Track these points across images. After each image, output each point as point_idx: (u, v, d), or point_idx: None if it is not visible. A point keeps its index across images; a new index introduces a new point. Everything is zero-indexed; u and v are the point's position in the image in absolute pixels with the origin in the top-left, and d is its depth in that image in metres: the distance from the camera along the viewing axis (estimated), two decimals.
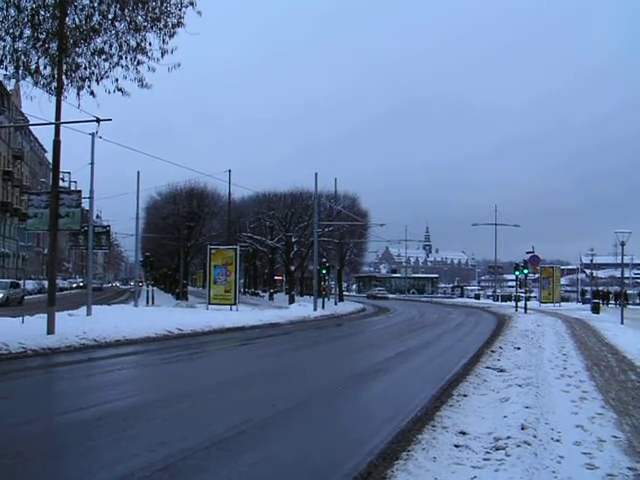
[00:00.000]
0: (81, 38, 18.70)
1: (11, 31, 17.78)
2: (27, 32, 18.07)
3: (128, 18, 18.66)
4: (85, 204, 30.33)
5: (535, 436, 8.03)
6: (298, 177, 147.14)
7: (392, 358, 17.81)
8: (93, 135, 24.80)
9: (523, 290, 53.63)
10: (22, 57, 18.30)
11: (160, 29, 18.85)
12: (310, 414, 10.33)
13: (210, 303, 38.15)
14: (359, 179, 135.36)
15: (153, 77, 19.47)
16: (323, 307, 44.23)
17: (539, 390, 11.43)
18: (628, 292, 62.10)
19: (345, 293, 78.48)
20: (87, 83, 19.14)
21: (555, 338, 22.90)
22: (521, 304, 48.21)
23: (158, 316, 28.94)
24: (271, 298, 59.61)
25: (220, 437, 8.14)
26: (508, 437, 7.94)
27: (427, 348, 21.37)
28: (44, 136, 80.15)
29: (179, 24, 18.96)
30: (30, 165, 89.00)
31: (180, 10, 18.90)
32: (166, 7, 18.82)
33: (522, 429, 8.34)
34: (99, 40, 18.83)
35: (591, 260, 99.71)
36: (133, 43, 18.97)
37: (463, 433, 8.32)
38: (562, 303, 61.19)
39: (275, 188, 59.87)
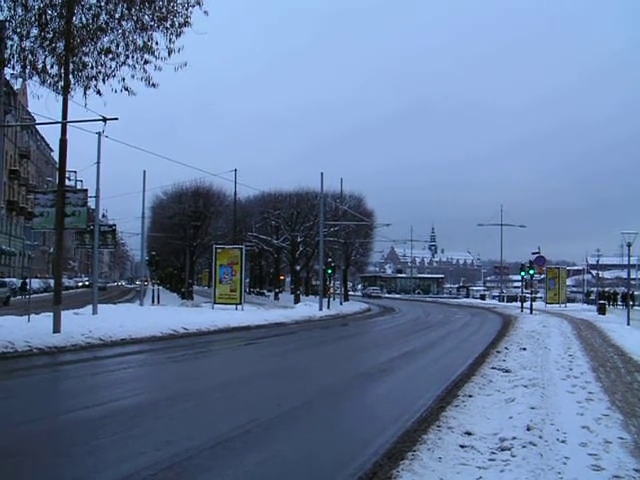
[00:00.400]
0: (88, 37, 18.73)
1: (18, 30, 17.84)
2: (34, 31, 18.12)
3: (135, 17, 18.69)
4: (91, 203, 30.42)
5: (541, 437, 8.01)
6: (304, 177, 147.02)
7: (397, 358, 17.81)
8: (99, 134, 24.87)
9: (529, 291, 53.51)
10: (29, 56, 18.34)
11: (167, 28, 18.87)
12: (315, 414, 10.33)
13: (215, 302, 38.17)
14: (365, 179, 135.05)
15: (160, 76, 19.51)
16: (328, 307, 44.25)
17: (545, 391, 11.41)
18: (635, 293, 61.84)
19: (350, 293, 78.42)
20: (94, 82, 19.17)
21: (561, 339, 22.85)
22: (527, 305, 48.14)
23: (164, 315, 28.98)
24: (276, 298, 59.62)
25: (226, 436, 8.14)
26: (514, 438, 7.92)
27: (432, 348, 21.36)
28: (50, 135, 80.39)
29: (186, 23, 18.97)
30: (36, 164, 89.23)
31: (187, 10, 18.92)
32: (173, 6, 18.84)
33: (528, 430, 8.33)
34: (106, 39, 18.87)
35: (597, 261, 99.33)
36: (140, 42, 19.00)
37: (468, 433, 8.30)
38: (568, 304, 61.01)
39: (281, 188, 59.93)
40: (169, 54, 18.96)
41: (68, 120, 19.54)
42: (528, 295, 52.31)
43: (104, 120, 19.37)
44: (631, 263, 40.62)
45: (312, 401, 11.27)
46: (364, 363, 17.36)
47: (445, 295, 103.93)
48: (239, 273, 38.58)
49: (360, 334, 29.48)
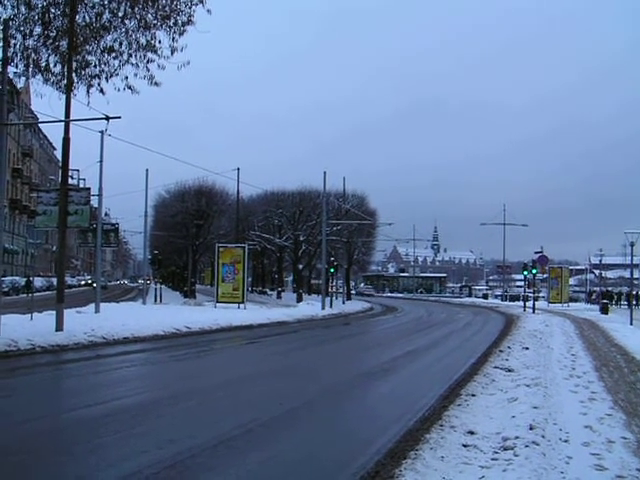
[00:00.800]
0: (91, 36, 18.74)
1: (22, 29, 17.85)
2: (37, 30, 18.13)
3: (138, 16, 18.69)
4: (94, 202, 30.43)
5: (543, 436, 7.99)
6: (306, 176, 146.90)
7: (400, 357, 17.80)
8: (102, 133, 24.88)
9: (531, 290, 53.45)
10: (32, 55, 18.36)
11: (170, 27, 18.87)
12: (317, 413, 10.32)
13: (218, 301, 38.19)
14: (368, 178, 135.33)
15: (163, 75, 19.53)
16: (331, 306, 44.24)
17: (547, 390, 11.39)
18: (639, 293, 61.73)
19: (353, 292, 78.40)
20: (97, 81, 19.20)
21: (564, 338, 22.82)
22: (529, 304, 48.08)
23: (166, 314, 28.98)
24: (279, 296, 59.65)
25: (228, 435, 8.14)
26: (516, 437, 7.91)
27: (435, 347, 21.34)
28: (53, 133, 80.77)
29: (189, 22, 18.97)
30: (39, 162, 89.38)
31: (190, 8, 18.91)
32: (176, 5, 18.83)
33: (530, 429, 8.32)
34: (109, 38, 18.87)
35: (600, 260, 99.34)
36: (143, 41, 19.00)
37: (471, 433, 8.29)
38: (570, 303, 60.94)
39: (283, 187, 60.00)
40: (172, 53, 19.00)
41: (71, 119, 19.56)
42: (531, 294, 52.28)
43: (107, 119, 19.36)
44: (634, 263, 40.57)
45: (314, 400, 11.26)
46: (366, 362, 17.35)
47: (448, 294, 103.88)
48: (242, 272, 38.61)
49: (362, 333, 29.48)
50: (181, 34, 19.01)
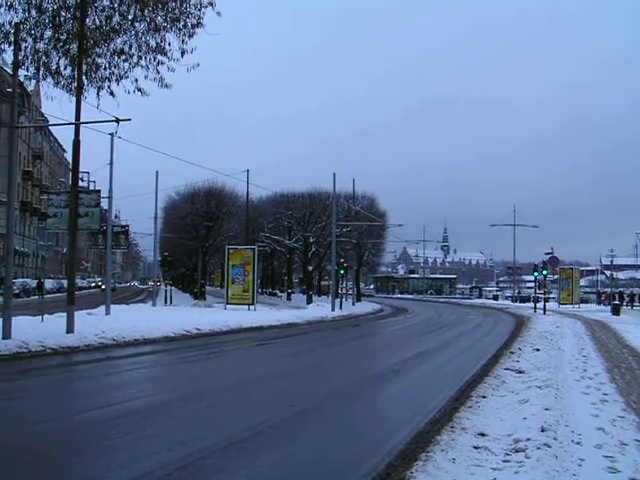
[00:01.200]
0: (101, 39, 18.80)
1: (32, 32, 17.93)
2: (48, 33, 18.21)
3: (148, 19, 18.74)
4: (104, 204, 30.51)
5: (555, 438, 7.95)
6: (316, 177, 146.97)
7: (410, 359, 17.76)
8: (112, 135, 24.97)
9: (542, 291, 53.23)
10: (43, 58, 18.45)
11: (179, 29, 18.92)
12: (327, 415, 10.30)
13: (228, 303, 38.23)
14: (377, 179, 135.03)
15: (173, 77, 19.55)
16: (341, 307, 44.19)
17: (559, 392, 11.34)
18: None
19: (368, 293, 78.33)
20: (107, 83, 19.28)
21: (575, 340, 22.71)
22: (540, 305, 47.86)
23: (176, 316, 29.06)
24: (289, 298, 59.63)
25: (238, 437, 8.14)
26: (528, 439, 7.87)
27: (445, 349, 21.28)
28: (63, 136, 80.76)
29: (198, 24, 19.01)
30: (50, 165, 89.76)
31: (199, 10, 18.95)
32: (185, 7, 18.88)
33: (542, 431, 8.27)
34: (119, 40, 18.94)
35: (611, 261, 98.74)
36: (153, 43, 19.06)
37: (482, 435, 8.26)
38: (581, 304, 60.66)
39: (293, 188, 59.97)
40: (182, 55, 19.06)
41: (81, 121, 19.62)
42: (541, 296, 52.04)
43: (117, 121, 19.40)
44: None
45: (324, 402, 11.24)
46: (376, 364, 17.31)
47: (458, 296, 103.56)
48: (251, 273, 38.64)
49: (372, 335, 29.44)
50: (191, 36, 19.07)
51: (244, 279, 38.51)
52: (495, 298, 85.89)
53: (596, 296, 76.82)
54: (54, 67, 18.68)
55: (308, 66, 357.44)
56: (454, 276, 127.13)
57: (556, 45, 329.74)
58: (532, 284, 71.08)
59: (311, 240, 56.33)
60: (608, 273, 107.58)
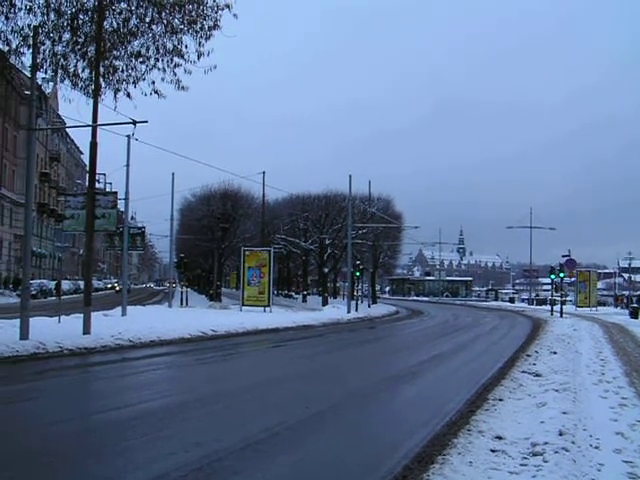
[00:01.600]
0: (119, 41, 18.88)
1: (51, 35, 18.02)
2: (66, 36, 18.29)
3: (165, 21, 18.79)
4: (120, 205, 30.68)
5: (573, 442, 7.88)
6: (332, 179, 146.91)
7: (426, 361, 17.69)
8: (129, 137, 25.08)
9: (559, 294, 52.90)
10: (61, 60, 18.55)
11: (196, 32, 18.93)
12: (344, 416, 10.27)
13: (244, 304, 38.33)
14: (394, 181, 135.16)
15: (189, 79, 19.60)
16: (356, 309, 44.13)
17: (576, 395, 11.25)
18: None
19: (380, 295, 78.25)
20: (124, 85, 19.33)
21: (592, 343, 22.54)
22: (557, 308, 47.56)
23: (192, 317, 29.14)
24: (304, 300, 59.63)
25: (254, 438, 8.13)
26: (545, 443, 7.80)
27: (462, 351, 21.20)
28: (80, 138, 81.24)
29: (215, 27, 19.01)
30: (66, 167, 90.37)
31: (216, 13, 18.95)
32: (202, 10, 18.90)
33: (560, 435, 8.20)
34: (136, 43, 18.99)
35: (629, 264, 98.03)
36: (170, 46, 19.10)
37: (499, 438, 8.20)
38: (599, 307, 60.29)
39: (309, 190, 59.97)
40: (199, 57, 19.05)
41: (99, 123, 19.73)
42: (558, 298, 51.70)
43: (134, 123, 19.50)
44: None
45: (340, 404, 11.22)
46: (393, 366, 17.27)
47: (474, 298, 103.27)
48: (267, 275, 38.69)
49: (388, 337, 29.38)
50: (207, 38, 19.07)
51: (260, 281, 38.59)
52: (511, 301, 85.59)
53: (613, 299, 76.31)
54: (72, 70, 18.78)
55: (325, 69, 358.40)
56: (470, 278, 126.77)
57: (574, 44, 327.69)
58: (549, 287, 70.64)
59: (327, 242, 56.27)
60: (626, 276, 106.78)
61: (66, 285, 55.86)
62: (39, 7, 17.42)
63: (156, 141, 26.11)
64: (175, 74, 19.33)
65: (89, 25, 18.53)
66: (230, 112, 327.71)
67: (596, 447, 7.74)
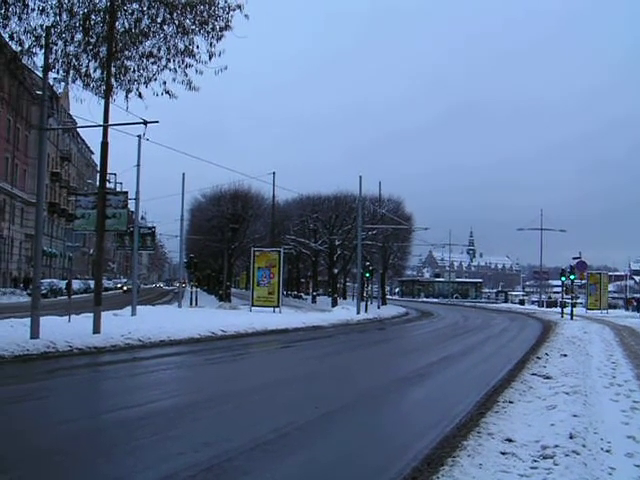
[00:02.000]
0: (130, 42, 18.93)
1: (63, 35, 18.08)
2: (78, 36, 18.35)
3: (176, 21, 18.82)
4: (131, 205, 30.76)
5: (584, 445, 7.83)
6: (343, 180, 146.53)
7: (436, 363, 17.66)
8: (140, 137, 25.14)
9: (569, 296, 52.69)
10: (73, 61, 18.60)
11: (208, 32, 18.96)
12: (353, 417, 10.25)
13: (253, 305, 38.33)
14: (404, 182, 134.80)
15: (201, 80, 19.63)
16: (366, 310, 44.08)
17: (587, 398, 11.19)
18: None
19: (388, 297, 78.16)
20: (135, 86, 19.37)
21: (603, 345, 22.43)
22: (567, 310, 47.37)
23: (202, 317, 29.17)
24: (314, 301, 59.65)
25: (264, 439, 8.13)
26: (556, 446, 7.75)
27: (471, 353, 21.13)
28: (91, 137, 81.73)
29: (226, 27, 19.03)
30: (77, 166, 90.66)
31: (227, 14, 18.97)
32: (214, 10, 18.92)
33: (570, 438, 8.15)
34: (148, 43, 19.03)
35: None
36: (181, 46, 19.13)
37: (509, 440, 8.16)
38: (609, 310, 59.99)
39: (319, 191, 59.98)
40: (210, 58, 19.06)
41: (110, 123, 19.79)
42: (568, 301, 51.50)
43: (145, 123, 19.56)
44: None
45: (350, 405, 11.20)
46: (402, 367, 17.25)
47: (483, 300, 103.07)
48: (277, 276, 38.69)
49: (398, 338, 29.34)
50: (219, 39, 19.10)
51: (269, 281, 38.59)
52: (521, 303, 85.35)
53: (624, 301, 75.91)
54: (84, 70, 18.84)
55: (335, 70, 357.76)
56: (480, 280, 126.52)
57: (589, 43, 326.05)
58: (559, 289, 70.45)
59: (337, 243, 56.27)
60: (637, 278, 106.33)
61: (76, 284, 56.00)
62: (52, 8, 17.47)
63: (167, 141, 26.26)
64: (186, 74, 19.38)
65: (101, 25, 18.59)
66: (241, 113, 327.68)
67: (607, 450, 7.70)
